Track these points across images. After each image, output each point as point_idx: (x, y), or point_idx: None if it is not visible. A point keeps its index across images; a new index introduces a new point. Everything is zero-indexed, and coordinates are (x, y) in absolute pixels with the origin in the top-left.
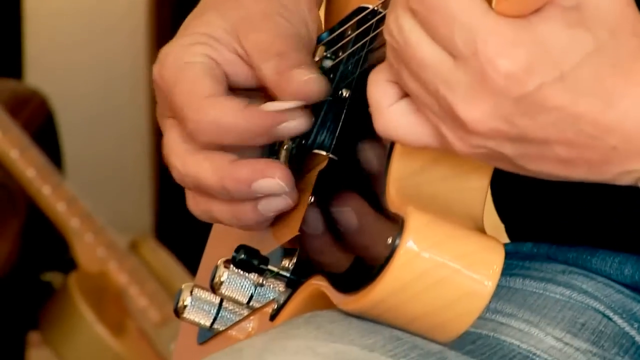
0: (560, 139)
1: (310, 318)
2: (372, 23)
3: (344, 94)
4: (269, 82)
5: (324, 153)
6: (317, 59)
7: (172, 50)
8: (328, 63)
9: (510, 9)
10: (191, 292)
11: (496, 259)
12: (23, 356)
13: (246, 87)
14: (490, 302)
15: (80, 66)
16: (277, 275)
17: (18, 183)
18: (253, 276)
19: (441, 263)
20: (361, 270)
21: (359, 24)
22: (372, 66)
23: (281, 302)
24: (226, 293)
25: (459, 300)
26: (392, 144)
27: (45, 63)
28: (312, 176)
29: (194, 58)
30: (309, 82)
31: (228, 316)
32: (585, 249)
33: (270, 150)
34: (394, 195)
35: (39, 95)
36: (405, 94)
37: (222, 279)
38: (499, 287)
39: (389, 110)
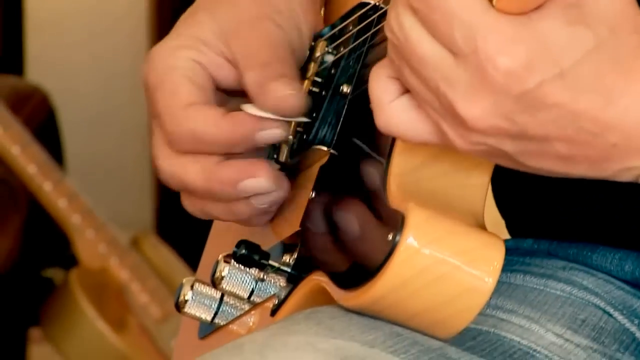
0: (561, 136)
1: (311, 314)
2: (374, 19)
3: (345, 90)
4: (249, 91)
5: (325, 148)
6: (318, 54)
7: (158, 52)
8: (329, 58)
9: (511, 6)
10: (192, 286)
11: (497, 256)
12: (24, 352)
13: (235, 89)
14: (490, 298)
15: (81, 63)
16: (278, 271)
17: (19, 179)
18: (254, 271)
19: (441, 259)
20: (362, 266)
21: (361, 19)
22: (373, 62)
23: (282, 297)
24: (227, 288)
25: (460, 297)
26: (393, 140)
27: (46, 60)
28: (313, 171)
29: (178, 62)
30: (286, 98)
31: (229, 311)
32: (585, 245)
33: (272, 145)
34: (394, 191)
35: (40, 91)
36: (407, 90)
37: (223, 274)
38: (499, 283)
39: (390, 106)
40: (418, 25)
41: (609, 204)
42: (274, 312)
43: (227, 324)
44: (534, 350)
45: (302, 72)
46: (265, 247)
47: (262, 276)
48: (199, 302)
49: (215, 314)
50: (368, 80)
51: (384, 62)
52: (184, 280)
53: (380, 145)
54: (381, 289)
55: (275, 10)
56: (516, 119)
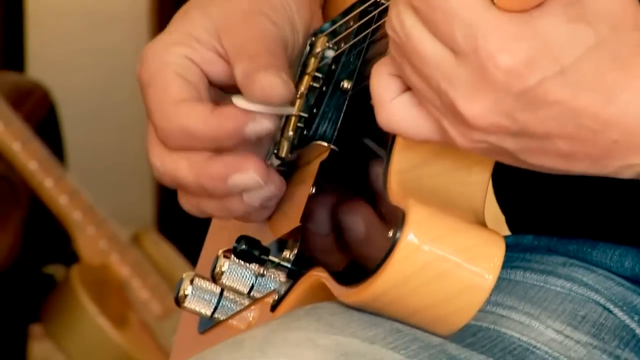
0: (561, 133)
1: (311, 310)
2: (375, 15)
3: (346, 86)
4: (238, 83)
5: (325, 144)
6: (319, 49)
7: (152, 49)
8: (330, 54)
9: (512, 4)
10: (192, 281)
11: (497, 253)
12: (25, 349)
13: (229, 84)
14: (490, 294)
15: (82, 59)
16: (278, 266)
17: (20, 176)
18: (254, 266)
19: (442, 256)
20: (362, 263)
21: (361, 15)
22: (374, 58)
23: (282, 292)
24: (227, 283)
25: (460, 294)
26: (394, 137)
27: (47, 56)
28: (314, 167)
29: (170, 58)
30: (273, 86)
31: (229, 306)
32: (585, 241)
33: (273, 141)
34: (395, 188)
35: (41, 88)
36: (408, 88)
37: (223, 269)
38: (499, 279)
39: (392, 103)
40: (419, 24)
41: (609, 200)
42: (274, 307)
43: (227, 319)
44: (534, 347)
45: (303, 67)
46: (265, 243)
47: (262, 271)
48: (198, 297)
49: (215, 308)
50: (369, 76)
51: (385, 59)
52: (184, 275)
53: (380, 141)
54: (382, 286)
55: (268, 6)
56: (517, 116)
